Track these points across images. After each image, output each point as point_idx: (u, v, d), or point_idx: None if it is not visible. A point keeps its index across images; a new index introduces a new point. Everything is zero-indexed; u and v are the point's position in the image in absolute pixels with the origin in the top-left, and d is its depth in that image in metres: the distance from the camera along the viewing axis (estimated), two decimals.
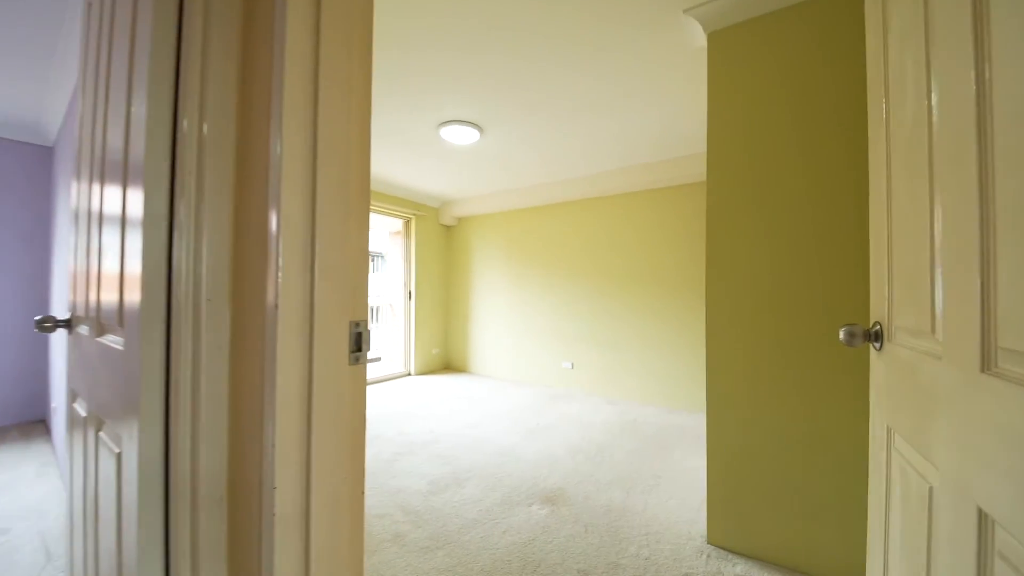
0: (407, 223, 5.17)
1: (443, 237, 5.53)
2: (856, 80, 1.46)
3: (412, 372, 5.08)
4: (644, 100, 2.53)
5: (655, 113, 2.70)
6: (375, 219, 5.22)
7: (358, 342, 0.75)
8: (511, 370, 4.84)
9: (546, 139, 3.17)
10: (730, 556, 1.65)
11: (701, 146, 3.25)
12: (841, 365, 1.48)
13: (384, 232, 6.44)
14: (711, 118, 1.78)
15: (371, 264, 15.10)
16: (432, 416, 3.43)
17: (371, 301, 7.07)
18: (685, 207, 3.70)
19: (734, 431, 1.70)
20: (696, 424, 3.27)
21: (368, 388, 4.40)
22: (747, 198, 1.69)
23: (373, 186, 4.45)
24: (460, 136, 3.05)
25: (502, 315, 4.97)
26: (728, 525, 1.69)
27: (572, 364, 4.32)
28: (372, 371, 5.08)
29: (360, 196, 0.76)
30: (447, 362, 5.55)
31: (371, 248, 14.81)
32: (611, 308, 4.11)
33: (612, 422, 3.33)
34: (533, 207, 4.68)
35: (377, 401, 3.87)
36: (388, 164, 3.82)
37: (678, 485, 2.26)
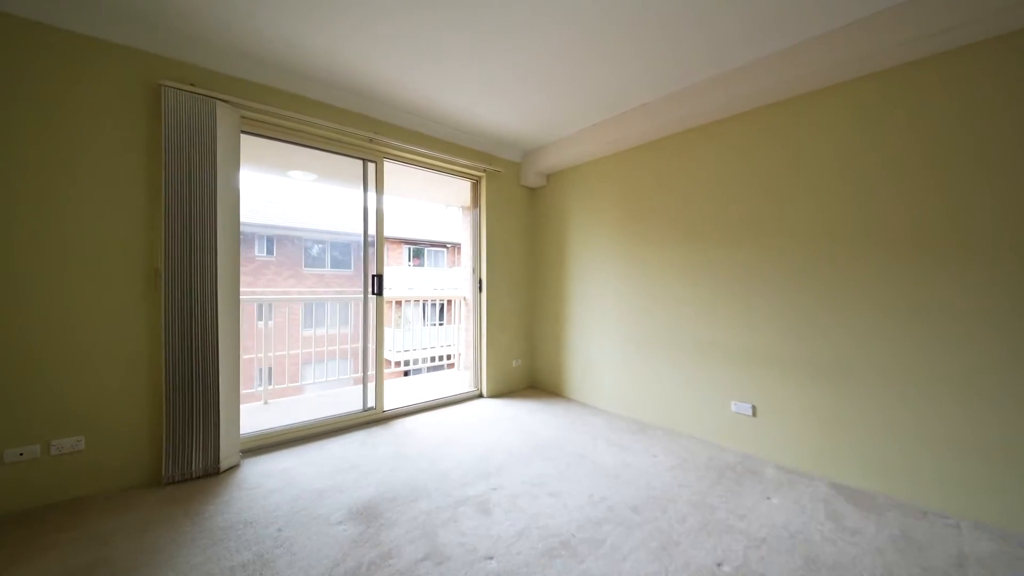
0: (475, 185, 3.71)
1: (526, 204, 3.95)
2: None
3: (484, 392, 3.63)
4: None
5: None
6: (437, 183, 3.88)
7: None
8: (632, 403, 3.06)
9: None
10: None
11: None
12: None
13: (457, 210, 5.14)
14: None
15: (448, 255, 14.29)
16: (497, 498, 1.88)
17: (443, 294, 5.91)
18: None
19: None
20: None
21: (420, 417, 3.05)
22: None
23: (406, 122, 3.01)
24: None
25: (615, 314, 3.21)
26: None
27: (753, 408, 2.39)
28: (434, 389, 3.76)
29: None
30: (532, 378, 3.99)
31: (443, 237, 14.18)
32: (837, 303, 2.09)
33: None
34: (671, 136, 2.81)
35: (423, 447, 2.46)
36: (419, 64, 2.34)
37: None
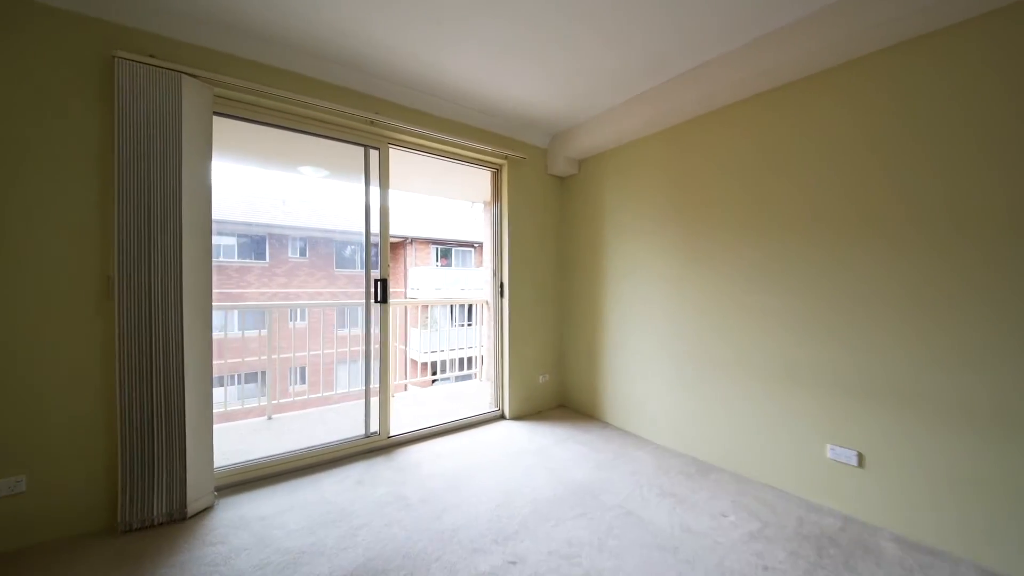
0: (495, 175, 3.25)
1: (555, 195, 3.46)
2: None
3: (506, 413, 3.17)
4: None
5: None
6: (453, 174, 3.47)
7: None
8: (688, 435, 2.51)
9: None
10: None
11: None
12: None
13: (482, 207, 4.71)
14: None
15: (475, 255, 13.95)
16: None
17: (468, 296, 5.52)
18: None
19: None
20: None
21: (430, 444, 2.64)
22: None
23: (413, 101, 2.54)
24: None
25: (667, 326, 2.66)
26: None
27: (859, 455, 1.79)
28: (449, 409, 3.35)
29: None
30: (562, 396, 3.49)
31: (471, 236, 13.91)
32: (998, 325, 1.48)
33: None
34: (750, 99, 2.22)
35: (427, 489, 2.02)
36: (425, 24, 1.90)
37: None
